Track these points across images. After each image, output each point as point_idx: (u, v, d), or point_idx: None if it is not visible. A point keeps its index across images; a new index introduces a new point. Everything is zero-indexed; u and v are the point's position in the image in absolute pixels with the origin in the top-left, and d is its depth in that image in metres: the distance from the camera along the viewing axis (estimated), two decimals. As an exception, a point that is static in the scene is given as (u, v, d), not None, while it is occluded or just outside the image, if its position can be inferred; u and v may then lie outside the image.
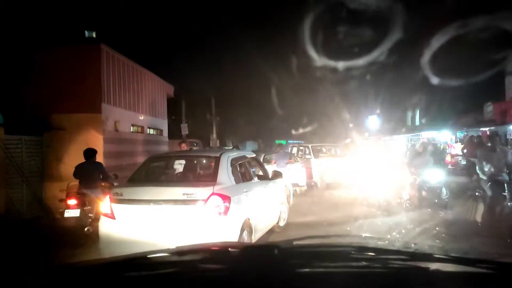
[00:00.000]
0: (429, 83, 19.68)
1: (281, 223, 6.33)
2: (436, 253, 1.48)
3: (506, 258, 1.47)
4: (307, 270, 1.28)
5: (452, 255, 1.48)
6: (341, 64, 20.72)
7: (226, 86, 30.95)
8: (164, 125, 13.13)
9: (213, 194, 4.12)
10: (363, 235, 5.29)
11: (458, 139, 19.29)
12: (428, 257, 1.39)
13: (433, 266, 1.29)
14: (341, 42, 20.22)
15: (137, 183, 4.77)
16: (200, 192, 4.14)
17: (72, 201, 5.98)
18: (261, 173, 6.19)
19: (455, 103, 21.12)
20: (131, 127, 10.32)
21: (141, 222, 4.15)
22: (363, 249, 1.56)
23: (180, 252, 1.52)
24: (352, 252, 1.46)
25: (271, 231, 5.90)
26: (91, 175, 6.37)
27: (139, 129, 10.91)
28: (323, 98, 27.22)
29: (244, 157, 5.80)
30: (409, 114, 31.62)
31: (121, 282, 1.29)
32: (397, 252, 1.50)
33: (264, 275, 1.19)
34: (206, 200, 4.07)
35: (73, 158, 8.03)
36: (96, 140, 8.10)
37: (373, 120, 30.90)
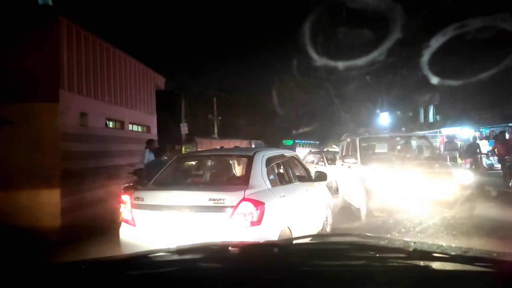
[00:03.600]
0: (444, 78, 18.20)
1: (328, 229, 5.90)
2: (436, 251, 1.45)
3: (506, 257, 1.45)
4: (307, 268, 1.28)
5: (452, 253, 1.44)
6: (347, 63, 19.45)
7: (228, 86, 29.74)
8: (152, 121, 11.36)
9: (243, 199, 3.69)
10: (363, 233, 4.44)
11: (483, 136, 17.52)
12: (428, 256, 1.37)
13: (433, 264, 1.28)
14: (345, 40, 18.99)
15: (160, 186, 4.42)
16: (228, 197, 3.70)
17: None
18: (302, 173, 5.63)
19: (474, 97, 19.47)
20: (106, 122, 8.56)
21: (163, 230, 3.77)
22: (362, 247, 1.54)
23: (180, 251, 1.52)
24: (352, 250, 1.47)
25: None
26: (148, 174, 6.32)
27: (118, 125, 9.16)
28: (328, 97, 25.83)
29: (282, 156, 5.25)
30: (422, 110, 30.10)
31: (122, 281, 1.28)
32: (397, 250, 1.49)
33: (264, 274, 1.19)
34: (235, 207, 3.63)
35: (25, 159, 6.33)
36: (52, 136, 6.36)
37: (384, 117, 29.16)
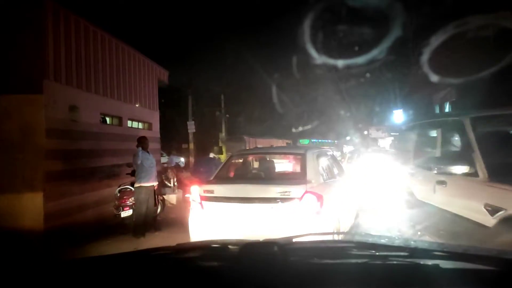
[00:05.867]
0: (461, 74, 17.27)
1: (358, 221, 6.17)
2: (436, 249, 1.44)
3: (506, 255, 1.41)
4: (307, 267, 1.29)
5: (453, 251, 1.43)
6: (357, 60, 18.63)
7: (234, 84, 29.06)
8: (154, 117, 10.60)
9: (307, 192, 4.05)
10: (363, 232, 5.08)
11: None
12: (428, 254, 1.38)
13: (433, 263, 1.27)
14: (351, 37, 18.20)
15: (226, 180, 4.82)
16: (294, 190, 4.05)
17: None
18: (336, 170, 5.83)
19: (494, 93, 18.40)
20: (102, 118, 7.82)
21: (233, 220, 4.11)
22: (363, 246, 1.54)
23: (180, 249, 1.55)
24: (352, 249, 1.47)
25: None
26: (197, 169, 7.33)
27: (115, 121, 8.41)
28: (336, 95, 25.01)
29: (325, 153, 5.60)
30: (437, 108, 29.06)
31: (122, 279, 1.26)
32: (397, 248, 1.48)
33: (264, 272, 1.18)
34: (300, 199, 4.00)
35: (3, 158, 5.60)
36: (35, 133, 5.61)
37: (398, 115, 28.09)
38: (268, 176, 5.08)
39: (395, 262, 1.29)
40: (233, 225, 4.09)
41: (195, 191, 4.54)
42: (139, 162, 6.10)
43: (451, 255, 1.36)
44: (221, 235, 3.91)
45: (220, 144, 26.39)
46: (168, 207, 9.17)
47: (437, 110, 28.74)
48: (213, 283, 1.20)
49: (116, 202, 6.90)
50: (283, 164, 6.73)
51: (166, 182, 10.76)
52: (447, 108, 27.55)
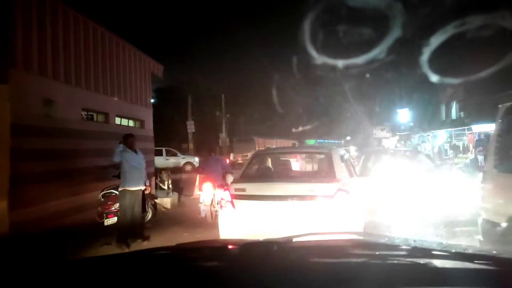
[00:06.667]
0: (466, 72, 16.69)
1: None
2: (436, 249, 1.41)
3: (506, 255, 1.40)
4: (306, 266, 1.28)
5: (452, 251, 1.40)
6: (363, 59, 18.11)
7: (235, 84, 28.56)
8: (147, 114, 9.82)
9: (339, 190, 4.17)
10: (363, 231, 4.93)
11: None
12: (427, 253, 1.37)
13: (432, 262, 1.26)
14: (354, 37, 17.75)
15: (257, 179, 4.93)
16: (327, 187, 4.21)
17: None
18: (352, 169, 5.91)
19: (504, 90, 17.69)
20: (88, 114, 7.04)
21: (267, 217, 4.20)
22: (362, 245, 1.55)
23: (180, 249, 1.54)
24: (352, 248, 1.46)
25: None
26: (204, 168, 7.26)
27: (100, 118, 7.63)
28: (341, 95, 24.48)
29: (345, 153, 5.73)
30: (443, 107, 28.30)
31: (121, 279, 1.26)
32: (397, 248, 1.47)
33: (263, 272, 1.19)
34: (333, 196, 4.12)
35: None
36: (-1, 129, 4.85)
37: (403, 114, 27.32)
38: (297, 174, 5.20)
39: (395, 262, 1.29)
40: (267, 222, 4.14)
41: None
42: (116, 159, 5.31)
43: (451, 255, 1.35)
44: (254, 232, 3.90)
45: (220, 144, 26.60)
46: (162, 212, 8.43)
47: (444, 110, 27.93)
48: (212, 283, 1.18)
49: (99, 208, 6.14)
50: (293, 163, 6.81)
51: (160, 185, 10.02)
52: (454, 108, 26.75)
